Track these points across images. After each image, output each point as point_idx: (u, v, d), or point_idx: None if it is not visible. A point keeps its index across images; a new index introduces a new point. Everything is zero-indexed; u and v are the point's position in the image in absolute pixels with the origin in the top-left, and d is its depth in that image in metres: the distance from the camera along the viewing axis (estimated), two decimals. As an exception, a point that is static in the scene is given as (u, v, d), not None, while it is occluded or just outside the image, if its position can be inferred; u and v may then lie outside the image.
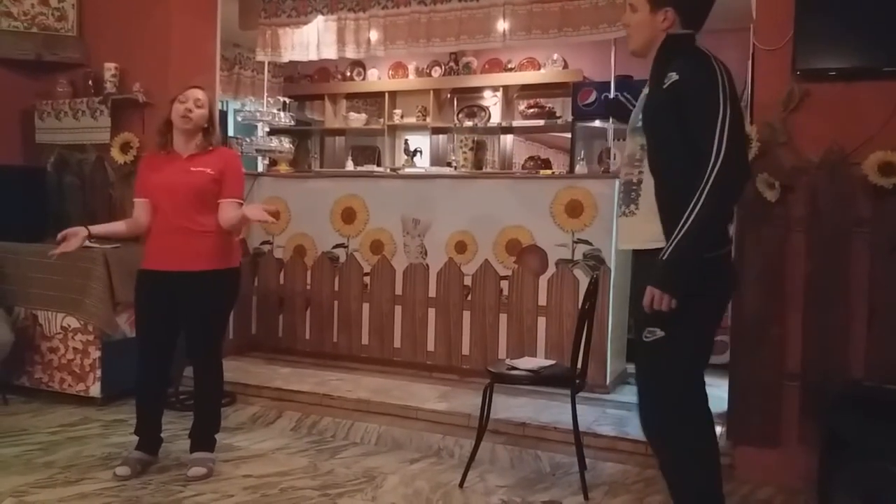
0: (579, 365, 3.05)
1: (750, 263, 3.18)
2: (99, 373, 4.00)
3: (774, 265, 3.13)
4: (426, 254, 4.48)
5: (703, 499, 2.24)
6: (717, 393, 3.75)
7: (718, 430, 3.39)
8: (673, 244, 2.05)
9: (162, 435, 3.26)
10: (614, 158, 4.94)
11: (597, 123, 5.74)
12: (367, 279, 4.63)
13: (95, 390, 4.01)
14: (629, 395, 3.87)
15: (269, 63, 5.73)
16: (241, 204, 3.16)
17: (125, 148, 4.47)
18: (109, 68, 4.58)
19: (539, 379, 3.11)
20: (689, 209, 2.03)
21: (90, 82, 4.67)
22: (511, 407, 3.67)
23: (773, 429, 3.14)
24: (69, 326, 4.07)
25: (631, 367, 4.18)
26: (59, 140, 4.73)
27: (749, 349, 3.19)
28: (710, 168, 2.01)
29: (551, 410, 3.60)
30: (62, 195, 4.69)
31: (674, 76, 2.12)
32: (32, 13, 4.73)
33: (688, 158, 2.08)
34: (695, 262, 2.07)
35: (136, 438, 3.21)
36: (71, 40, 4.80)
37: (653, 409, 2.27)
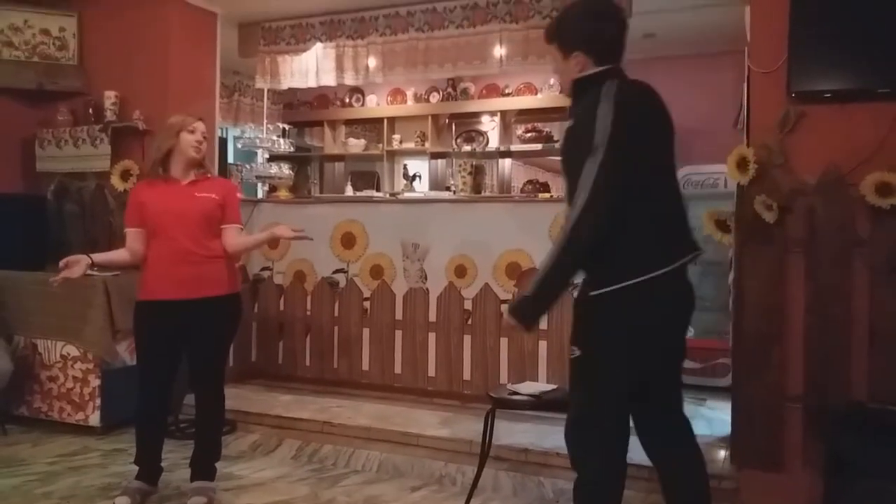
0: (581, 389, 3.03)
1: (749, 285, 3.18)
2: (98, 401, 3.98)
3: (774, 287, 3.13)
4: (426, 278, 4.48)
5: None
6: (721, 416, 3.75)
7: (721, 453, 3.39)
8: (536, 278, 2.18)
9: (162, 464, 3.22)
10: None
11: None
12: (367, 304, 4.62)
13: (95, 419, 3.99)
14: (631, 421, 3.83)
15: (268, 90, 5.77)
16: (242, 229, 3.22)
17: (125, 175, 4.48)
18: (109, 96, 4.62)
19: (541, 404, 3.08)
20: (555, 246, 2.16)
21: (90, 110, 4.71)
22: (513, 432, 3.64)
23: (777, 452, 3.12)
24: (69, 355, 4.05)
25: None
26: (59, 168, 4.75)
27: (751, 371, 3.18)
28: (572, 211, 2.11)
29: (554, 436, 3.56)
30: (62, 223, 4.69)
31: (572, 120, 2.20)
32: (33, 43, 4.78)
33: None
34: (548, 299, 2.19)
35: (135, 468, 3.17)
36: (71, 69, 4.84)
37: (568, 423, 2.30)
